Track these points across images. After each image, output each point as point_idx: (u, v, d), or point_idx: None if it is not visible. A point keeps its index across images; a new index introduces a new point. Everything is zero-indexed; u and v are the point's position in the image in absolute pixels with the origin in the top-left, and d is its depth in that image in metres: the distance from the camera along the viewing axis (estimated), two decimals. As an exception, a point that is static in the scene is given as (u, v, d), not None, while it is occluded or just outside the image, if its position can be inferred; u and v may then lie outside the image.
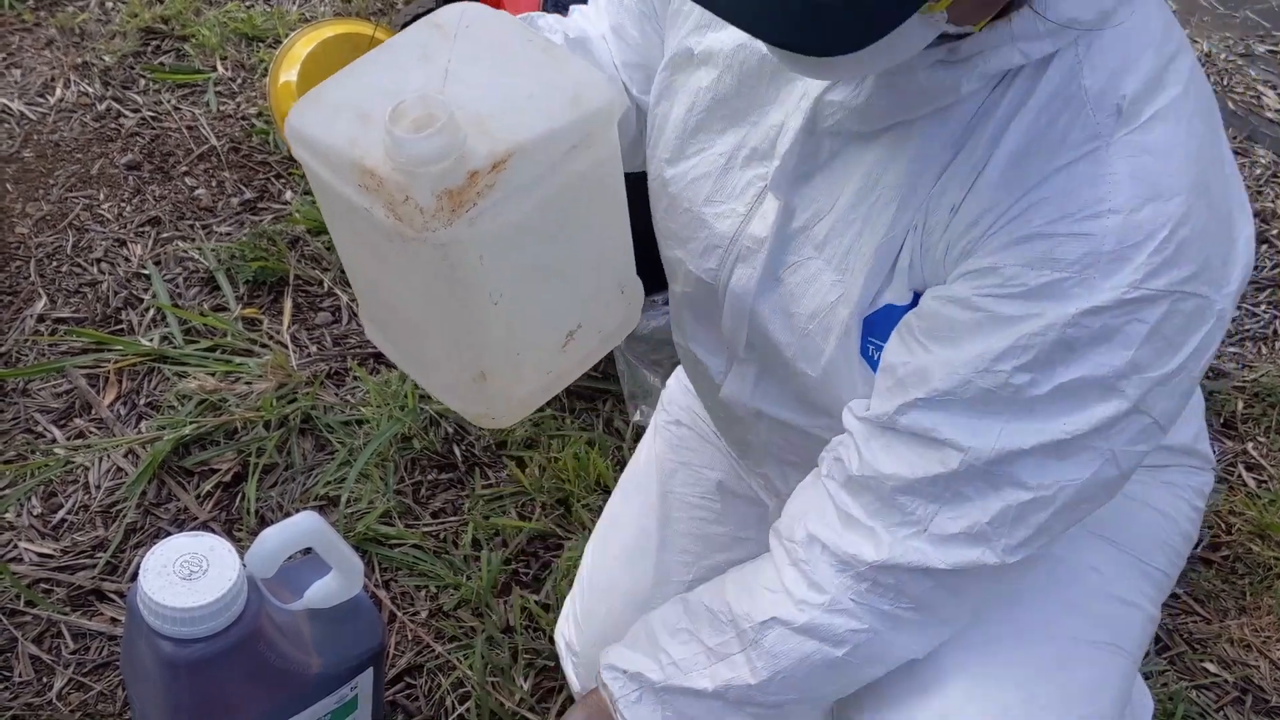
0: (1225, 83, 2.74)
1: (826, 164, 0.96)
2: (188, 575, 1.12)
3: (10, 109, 2.26)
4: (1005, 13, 0.84)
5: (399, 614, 1.56)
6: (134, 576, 1.58)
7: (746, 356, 1.08)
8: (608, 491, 1.57)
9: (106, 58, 2.41)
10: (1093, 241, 0.82)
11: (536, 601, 1.59)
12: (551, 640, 1.51)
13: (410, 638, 1.54)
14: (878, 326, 0.95)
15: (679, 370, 1.44)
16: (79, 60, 2.39)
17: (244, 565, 1.15)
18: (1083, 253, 0.82)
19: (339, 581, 1.23)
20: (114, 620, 1.53)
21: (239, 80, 2.41)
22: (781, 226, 0.98)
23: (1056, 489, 0.88)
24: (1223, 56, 2.82)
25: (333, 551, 1.20)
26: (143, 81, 2.38)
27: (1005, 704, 0.98)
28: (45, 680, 1.48)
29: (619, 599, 1.36)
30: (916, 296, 0.93)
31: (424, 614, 1.56)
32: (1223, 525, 1.80)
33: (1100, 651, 1.05)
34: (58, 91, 2.33)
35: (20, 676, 1.48)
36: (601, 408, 1.85)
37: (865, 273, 0.94)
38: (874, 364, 0.96)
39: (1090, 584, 1.08)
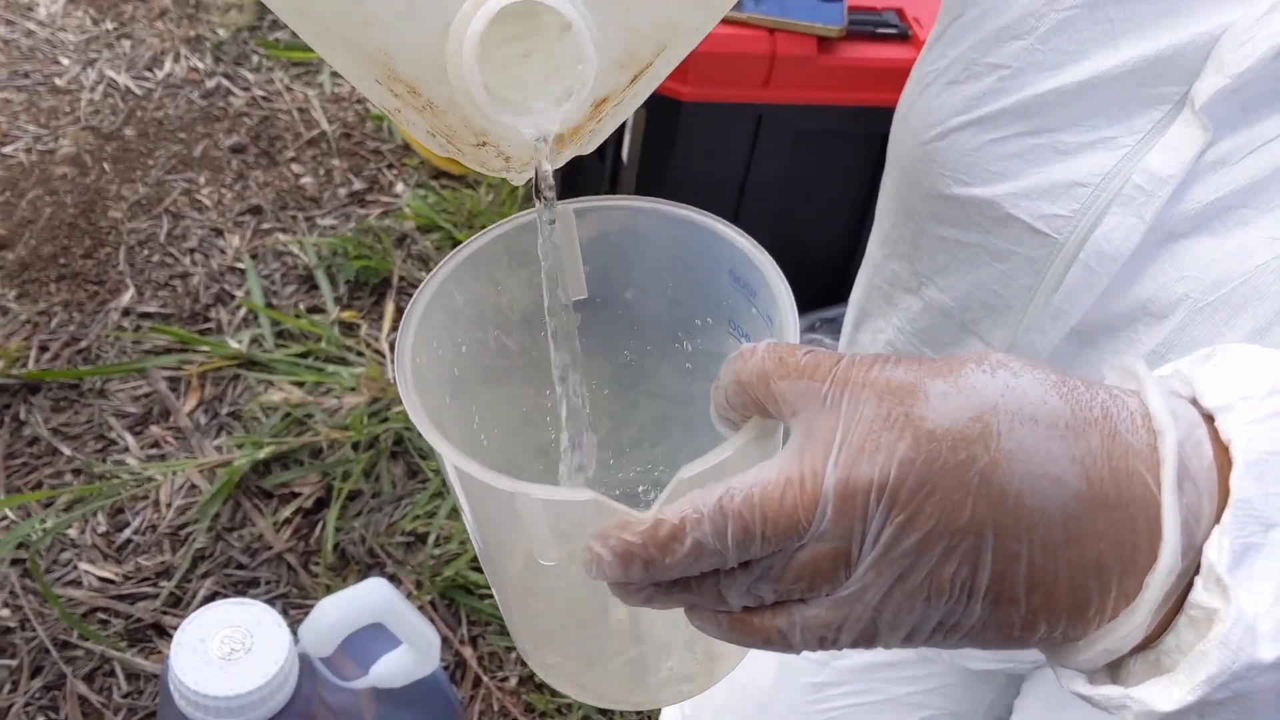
0: None
1: None
2: (227, 655, 0.95)
3: (116, 83, 2.13)
4: None
5: (485, 678, 1.36)
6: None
7: (1055, 348, 0.79)
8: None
9: (221, 31, 2.27)
10: None
11: (642, 672, 1.39)
12: (657, 724, 1.30)
13: (496, 708, 1.34)
14: None
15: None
16: (192, 33, 2.26)
17: (296, 642, 0.97)
18: None
19: (411, 657, 1.05)
20: (173, 661, 1.38)
21: (356, 60, 2.25)
22: (1198, 164, 0.71)
23: None
24: None
25: (403, 626, 1.02)
26: (256, 58, 2.23)
27: None
28: (92, 726, 1.33)
29: (734, 692, 1.14)
30: None
31: (514, 681, 1.37)
32: None
33: None
34: (166, 65, 2.19)
35: None
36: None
37: None
38: None
39: None
